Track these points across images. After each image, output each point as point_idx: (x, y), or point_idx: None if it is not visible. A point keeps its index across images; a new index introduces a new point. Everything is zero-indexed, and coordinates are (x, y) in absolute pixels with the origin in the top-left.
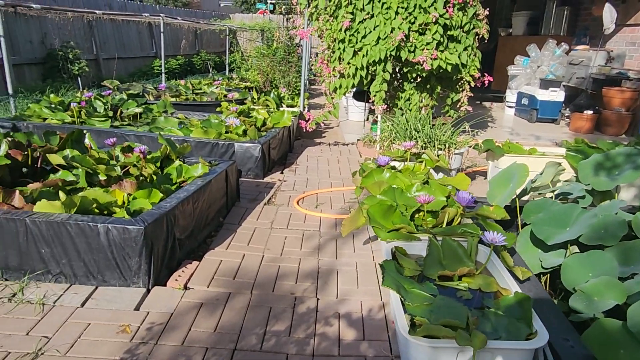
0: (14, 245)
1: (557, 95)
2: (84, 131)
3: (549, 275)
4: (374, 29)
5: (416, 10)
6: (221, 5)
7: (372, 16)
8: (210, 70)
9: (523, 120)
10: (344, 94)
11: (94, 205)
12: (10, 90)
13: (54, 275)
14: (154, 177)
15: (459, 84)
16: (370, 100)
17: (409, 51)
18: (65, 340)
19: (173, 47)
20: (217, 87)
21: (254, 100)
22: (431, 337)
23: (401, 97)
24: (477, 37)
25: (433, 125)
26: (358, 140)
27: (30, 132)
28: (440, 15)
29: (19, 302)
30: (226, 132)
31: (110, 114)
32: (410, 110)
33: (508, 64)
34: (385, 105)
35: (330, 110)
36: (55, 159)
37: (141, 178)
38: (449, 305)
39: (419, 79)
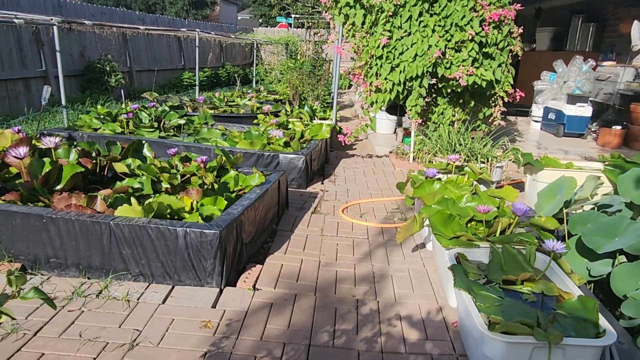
0: (98, 246)
1: (585, 110)
2: (143, 142)
3: (593, 284)
4: (411, 46)
5: (452, 28)
6: (239, 18)
7: (410, 34)
8: (238, 83)
9: (550, 135)
10: (380, 108)
11: (168, 211)
12: (63, 102)
13: (134, 275)
14: (215, 186)
15: (492, 99)
16: (407, 114)
17: (445, 68)
18: (154, 333)
19: (200, 59)
20: (249, 100)
21: (288, 113)
22: (507, 334)
23: (435, 111)
24: (510, 53)
25: (472, 138)
26: (390, 152)
27: (92, 142)
28: (477, 33)
29: (106, 299)
30: (268, 143)
31: (155, 124)
32: (444, 124)
33: (531, 78)
34: (421, 119)
35: (367, 123)
36: (120, 167)
37: (205, 186)
38: (518, 307)
39: (452, 94)
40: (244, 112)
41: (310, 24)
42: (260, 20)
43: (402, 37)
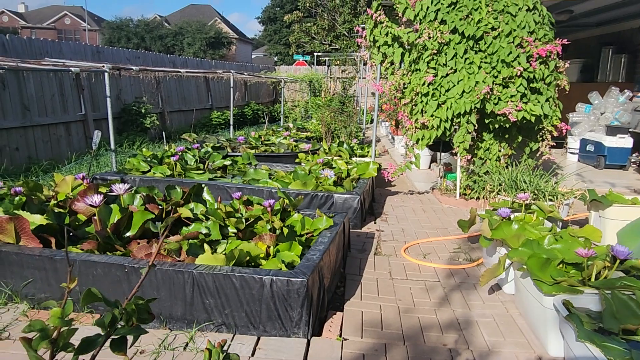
0: (180, 296)
1: (625, 141)
2: (203, 185)
3: None
4: (458, 83)
5: (499, 64)
6: (253, 56)
7: (455, 71)
8: (266, 121)
9: (589, 167)
10: (426, 145)
11: (247, 258)
12: (112, 146)
13: (216, 326)
14: (285, 230)
15: (540, 133)
16: (454, 151)
17: (494, 103)
18: None
19: (226, 99)
20: (284, 138)
21: (326, 151)
22: None
23: (480, 147)
24: (557, 88)
25: (534, 174)
26: (433, 189)
27: (152, 187)
28: (525, 69)
29: (194, 351)
30: (319, 183)
31: (201, 166)
32: (490, 160)
33: (562, 110)
34: (470, 156)
35: (412, 160)
36: (185, 212)
37: (277, 231)
38: None
39: (499, 129)
40: (283, 151)
41: (337, 62)
42: (275, 59)
43: (447, 74)
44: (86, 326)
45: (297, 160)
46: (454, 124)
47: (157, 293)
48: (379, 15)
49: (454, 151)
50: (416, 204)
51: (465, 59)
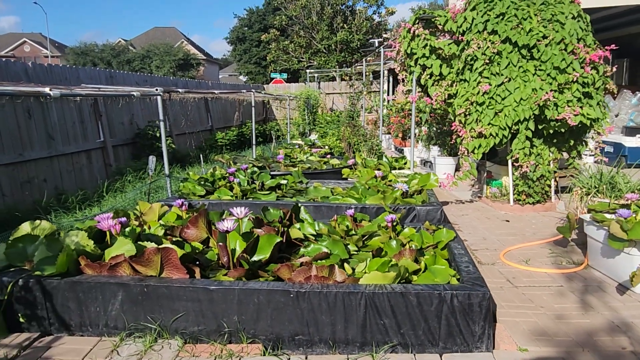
0: (352, 318)
1: None
2: (300, 205)
3: None
4: (514, 91)
5: (553, 71)
6: (220, 77)
7: (510, 79)
8: (273, 139)
9: (607, 167)
10: (484, 152)
11: (406, 275)
12: (167, 171)
13: (391, 346)
14: (413, 244)
15: (589, 136)
16: (514, 157)
17: (552, 109)
18: None
19: (224, 119)
20: (311, 155)
21: (365, 165)
22: None
23: (532, 153)
24: (605, 92)
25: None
26: (479, 196)
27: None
28: (580, 75)
29: None
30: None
31: (254, 186)
32: (542, 165)
33: None
34: (533, 162)
35: (468, 169)
36: (296, 232)
37: (407, 246)
38: None
39: (552, 134)
40: (325, 167)
41: (345, 78)
42: (244, 78)
43: (502, 83)
44: (255, 357)
45: (343, 176)
46: (511, 131)
47: (325, 317)
48: (417, 28)
49: (498, 158)
50: (474, 212)
51: (519, 67)
